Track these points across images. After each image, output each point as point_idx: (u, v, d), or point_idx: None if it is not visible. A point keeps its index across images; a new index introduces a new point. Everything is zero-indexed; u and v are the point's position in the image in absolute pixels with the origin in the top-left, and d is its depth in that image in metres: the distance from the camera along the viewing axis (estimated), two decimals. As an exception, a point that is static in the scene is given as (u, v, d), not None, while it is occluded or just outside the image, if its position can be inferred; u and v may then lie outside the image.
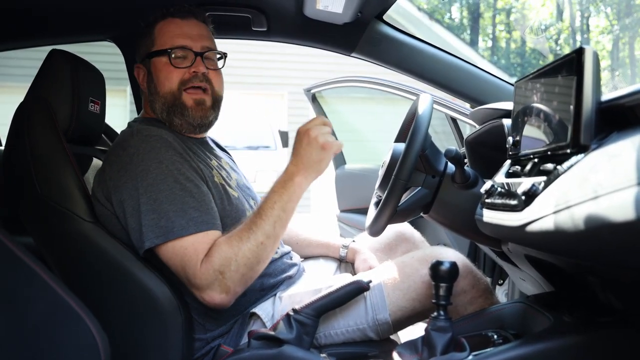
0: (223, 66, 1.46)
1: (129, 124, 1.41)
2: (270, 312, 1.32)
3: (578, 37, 15.90)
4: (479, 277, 1.37)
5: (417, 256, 1.36)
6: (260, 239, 1.20)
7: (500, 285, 2.04)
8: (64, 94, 1.38)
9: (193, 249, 1.19)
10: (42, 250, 1.32)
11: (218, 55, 1.44)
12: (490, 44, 19.20)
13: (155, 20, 1.41)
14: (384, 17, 1.80)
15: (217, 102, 1.42)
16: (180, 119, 1.37)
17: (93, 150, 1.58)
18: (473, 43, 17.63)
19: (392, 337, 1.38)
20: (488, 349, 1.04)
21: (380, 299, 1.30)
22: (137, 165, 1.23)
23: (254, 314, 1.32)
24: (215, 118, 1.44)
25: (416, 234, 1.70)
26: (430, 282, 1.25)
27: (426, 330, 1.08)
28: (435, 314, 1.08)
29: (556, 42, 15.80)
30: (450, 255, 1.37)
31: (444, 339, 1.04)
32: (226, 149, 1.69)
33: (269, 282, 1.38)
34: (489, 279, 2.07)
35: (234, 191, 1.39)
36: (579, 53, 0.90)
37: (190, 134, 1.42)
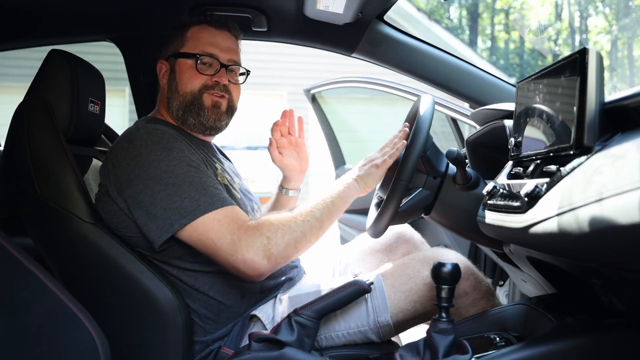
0: (244, 82, 1.51)
1: (136, 123, 1.41)
2: (270, 314, 1.31)
3: (577, 38, 15.92)
4: (480, 279, 1.37)
5: (418, 258, 1.36)
6: (308, 218, 1.25)
7: (501, 286, 2.03)
8: (64, 94, 1.37)
9: (229, 220, 1.20)
10: (41, 251, 1.31)
11: (241, 71, 1.49)
12: (489, 44, 19.22)
13: (190, 23, 1.44)
14: (384, 18, 1.80)
15: (231, 110, 1.47)
16: (195, 118, 1.41)
17: (93, 150, 1.57)
18: (472, 43, 17.65)
19: (393, 339, 1.37)
20: (490, 352, 1.04)
21: (382, 301, 1.29)
22: (147, 156, 1.23)
23: (254, 316, 1.31)
24: (227, 125, 1.48)
25: (416, 235, 1.69)
26: (432, 283, 1.25)
27: (428, 332, 1.07)
28: (437, 316, 1.08)
29: (555, 42, 15.82)
30: (452, 256, 1.37)
31: (446, 341, 1.04)
32: (226, 150, 1.70)
33: (269, 283, 1.37)
34: (490, 280, 2.07)
35: (237, 193, 1.39)
36: (582, 54, 0.90)
37: (200, 134, 1.45)
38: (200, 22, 1.43)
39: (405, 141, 1.37)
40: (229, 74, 1.43)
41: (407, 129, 1.41)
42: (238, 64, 1.47)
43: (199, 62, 1.39)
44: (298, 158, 1.61)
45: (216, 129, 1.45)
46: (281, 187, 1.67)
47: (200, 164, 1.28)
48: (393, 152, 1.37)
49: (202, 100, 1.40)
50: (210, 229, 1.19)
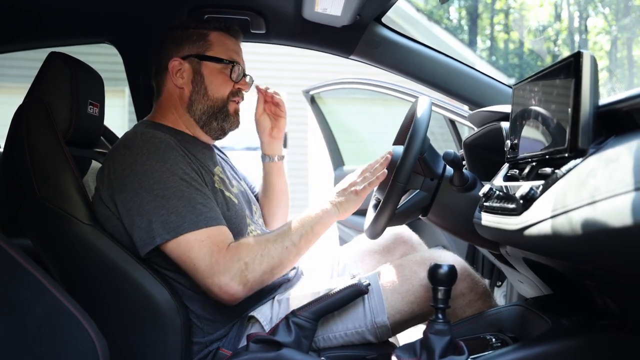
0: None
1: (135, 127, 1.41)
2: (268, 315, 1.32)
3: (576, 38, 15.92)
4: (477, 280, 1.38)
5: (415, 259, 1.37)
6: (286, 243, 1.27)
7: (499, 287, 2.04)
8: (63, 96, 1.38)
9: (210, 241, 1.21)
10: (40, 253, 1.32)
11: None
12: (488, 44, 19.23)
13: (210, 27, 1.45)
14: (383, 20, 1.81)
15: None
16: (219, 123, 1.44)
17: (92, 152, 1.58)
18: (471, 44, 17.65)
19: (390, 339, 1.38)
20: (486, 353, 1.05)
21: (379, 302, 1.30)
22: (142, 165, 1.24)
23: (252, 317, 1.32)
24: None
25: (414, 236, 1.70)
26: (429, 285, 1.26)
27: (425, 333, 1.08)
28: (434, 317, 1.08)
29: (554, 42, 15.82)
30: (449, 258, 1.37)
31: (442, 342, 1.05)
32: (226, 151, 1.71)
33: (267, 285, 1.38)
34: (487, 281, 2.07)
35: (234, 198, 1.39)
36: (576, 57, 0.91)
37: (212, 137, 1.47)
38: (219, 29, 1.45)
39: (386, 170, 1.38)
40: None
41: (390, 156, 1.41)
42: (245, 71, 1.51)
43: (232, 69, 1.43)
44: (274, 121, 1.63)
45: (228, 134, 1.49)
46: (263, 155, 1.69)
47: (195, 176, 1.28)
48: (373, 181, 1.37)
49: (228, 107, 1.45)
50: (191, 248, 1.20)
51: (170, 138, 1.31)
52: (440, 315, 1.08)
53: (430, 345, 1.05)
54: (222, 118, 1.44)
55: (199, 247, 1.20)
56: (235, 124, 1.48)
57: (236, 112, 1.47)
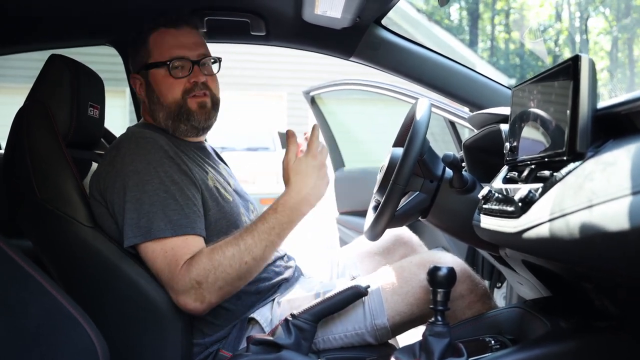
0: (218, 71, 1.48)
1: (128, 128, 1.42)
2: (268, 317, 1.32)
3: (577, 38, 15.91)
4: (477, 282, 1.38)
5: (415, 261, 1.37)
6: (245, 258, 1.21)
7: (499, 288, 2.04)
8: (64, 98, 1.38)
9: (172, 253, 1.20)
10: (40, 254, 1.32)
11: (212, 60, 1.46)
12: (489, 44, 19.23)
13: (148, 31, 1.42)
14: (383, 21, 1.81)
15: (216, 104, 1.45)
16: (187, 124, 1.40)
17: (92, 154, 1.58)
18: (472, 44, 17.65)
19: (390, 341, 1.39)
20: (485, 355, 1.05)
21: (379, 304, 1.30)
22: (127, 165, 1.26)
23: (252, 319, 1.32)
24: (215, 120, 1.47)
25: (414, 237, 1.70)
26: (429, 287, 1.26)
27: (424, 335, 1.08)
28: (433, 319, 1.09)
29: (555, 42, 15.81)
30: (448, 259, 1.38)
31: (441, 345, 1.05)
32: (227, 152, 1.71)
33: (265, 285, 1.38)
34: (487, 282, 2.08)
35: (228, 195, 1.40)
36: (575, 60, 0.91)
37: (192, 137, 1.45)
38: (157, 27, 1.41)
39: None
40: (202, 68, 1.41)
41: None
42: (208, 55, 1.44)
43: (171, 68, 1.37)
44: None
45: (207, 128, 1.45)
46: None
47: (180, 177, 1.27)
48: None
49: (188, 105, 1.39)
50: (155, 257, 1.21)
51: (162, 138, 1.32)
52: (439, 318, 1.08)
53: (430, 347, 1.05)
54: (186, 118, 1.39)
55: (162, 258, 1.21)
56: (206, 117, 1.41)
57: (201, 106, 1.39)
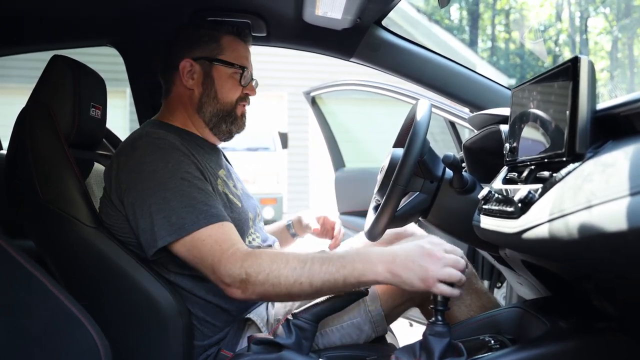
0: None
1: (142, 126, 1.43)
2: (264, 317, 1.33)
3: (577, 38, 15.91)
4: (475, 279, 1.39)
5: (401, 242, 1.38)
6: (302, 279, 1.14)
7: (499, 288, 2.05)
8: (66, 99, 1.39)
9: (212, 240, 1.19)
10: (43, 255, 1.32)
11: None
12: (489, 44, 19.22)
13: (222, 31, 1.46)
14: (383, 22, 1.81)
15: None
16: (228, 126, 1.46)
17: (94, 155, 1.59)
18: (472, 44, 17.65)
19: (390, 341, 1.39)
20: (485, 354, 1.06)
21: (371, 289, 1.30)
22: (146, 166, 1.25)
23: (249, 319, 1.33)
24: None
25: (419, 230, 1.68)
26: None
27: (424, 335, 1.09)
28: (433, 319, 1.09)
29: (555, 42, 15.81)
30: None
31: (441, 344, 1.05)
32: (227, 152, 1.73)
33: None
34: (487, 282, 2.08)
35: (237, 201, 1.40)
36: (574, 62, 0.91)
37: (219, 139, 1.49)
38: (231, 33, 1.47)
39: (464, 277, 1.13)
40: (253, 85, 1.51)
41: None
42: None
43: (242, 74, 1.44)
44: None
45: (233, 137, 1.52)
46: (291, 227, 1.71)
47: (198, 174, 1.28)
48: (450, 289, 1.10)
49: (236, 110, 1.46)
50: (194, 247, 1.20)
51: (175, 138, 1.32)
52: (439, 318, 1.09)
53: (430, 347, 1.06)
54: (231, 121, 1.46)
55: (201, 246, 1.19)
56: (242, 127, 1.50)
57: (243, 116, 1.50)
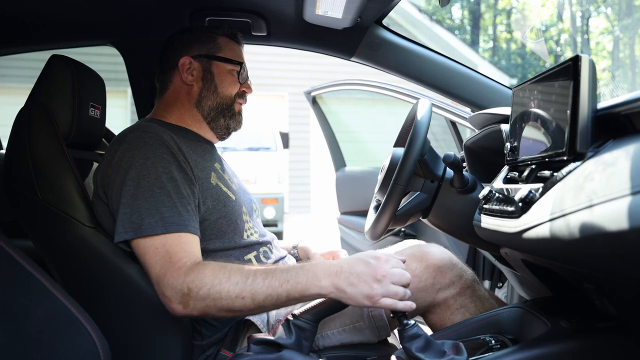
0: None
1: (136, 122, 1.42)
2: (264, 317, 1.32)
3: (578, 38, 15.89)
4: (464, 270, 1.40)
5: (406, 253, 1.38)
6: (244, 294, 1.12)
7: (500, 288, 2.05)
8: (65, 99, 1.38)
9: (164, 250, 1.18)
10: (42, 255, 1.32)
11: None
12: (490, 44, 19.21)
13: (218, 32, 1.49)
14: (383, 22, 1.81)
15: None
16: (226, 120, 1.48)
17: (93, 155, 1.58)
18: (473, 43, 17.65)
19: (390, 341, 1.39)
20: (486, 354, 1.05)
21: None
22: (127, 160, 1.25)
23: (248, 320, 1.33)
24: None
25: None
26: (422, 276, 1.32)
27: (403, 346, 1.08)
28: (400, 327, 1.09)
29: (557, 42, 15.80)
30: (435, 250, 1.39)
31: (420, 343, 1.06)
32: (228, 152, 1.72)
33: None
34: (487, 282, 2.08)
35: (232, 194, 1.39)
36: (575, 61, 0.91)
37: (214, 135, 1.50)
38: (226, 35, 1.50)
39: (409, 291, 1.13)
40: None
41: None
42: None
43: (240, 70, 1.48)
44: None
45: (230, 134, 1.53)
46: (296, 252, 1.69)
47: (178, 175, 1.26)
48: (394, 302, 1.10)
49: (234, 106, 1.48)
50: (146, 252, 1.19)
51: (166, 133, 1.31)
52: (404, 321, 1.09)
53: (416, 354, 1.06)
54: (229, 116, 1.48)
55: (153, 253, 1.18)
56: (239, 123, 1.52)
57: (240, 113, 1.51)
